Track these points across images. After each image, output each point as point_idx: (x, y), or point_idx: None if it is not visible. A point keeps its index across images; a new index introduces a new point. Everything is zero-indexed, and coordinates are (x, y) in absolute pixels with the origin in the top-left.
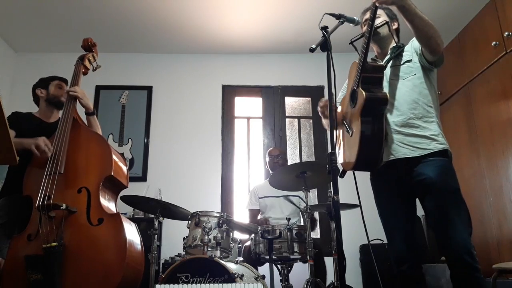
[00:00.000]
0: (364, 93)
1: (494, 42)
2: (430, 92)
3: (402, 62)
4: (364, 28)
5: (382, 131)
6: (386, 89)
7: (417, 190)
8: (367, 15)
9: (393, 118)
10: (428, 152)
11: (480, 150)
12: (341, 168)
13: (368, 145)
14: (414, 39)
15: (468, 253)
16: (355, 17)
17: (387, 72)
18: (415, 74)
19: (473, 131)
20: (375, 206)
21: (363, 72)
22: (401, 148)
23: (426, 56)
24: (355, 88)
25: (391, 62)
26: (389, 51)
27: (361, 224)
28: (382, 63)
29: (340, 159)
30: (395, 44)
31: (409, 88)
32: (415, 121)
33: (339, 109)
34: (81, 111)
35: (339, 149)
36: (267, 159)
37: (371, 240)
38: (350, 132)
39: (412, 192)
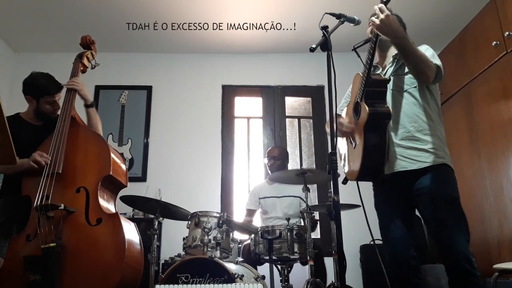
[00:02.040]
0: (367, 108)
1: (494, 42)
2: (431, 104)
3: (404, 72)
4: (369, 29)
5: (385, 144)
6: (388, 99)
7: (416, 200)
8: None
9: (394, 132)
10: (427, 166)
11: (480, 150)
12: (344, 176)
13: (371, 158)
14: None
15: (467, 260)
16: (355, 17)
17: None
18: (415, 86)
19: (473, 131)
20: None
21: (366, 86)
22: (401, 161)
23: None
24: (358, 101)
25: (393, 71)
26: (392, 59)
27: (361, 224)
28: (384, 71)
29: (345, 169)
30: (397, 52)
31: (410, 101)
32: (415, 134)
33: (343, 115)
34: (79, 109)
35: (344, 159)
36: (265, 160)
37: (371, 241)
38: (354, 144)
39: (411, 201)
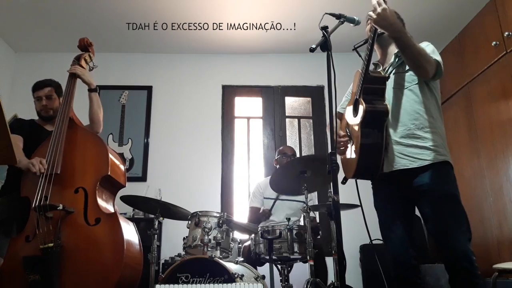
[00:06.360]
0: (364, 105)
1: (494, 42)
2: (432, 101)
3: (405, 70)
4: (368, 27)
5: (382, 142)
6: (389, 97)
7: (415, 197)
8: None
9: (394, 129)
10: (428, 163)
11: (480, 150)
12: (343, 174)
13: (368, 156)
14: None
15: (467, 259)
16: (355, 17)
17: (391, 79)
18: (416, 83)
19: (473, 131)
20: None
21: (364, 83)
22: (401, 159)
23: None
24: (357, 97)
25: (395, 69)
26: (393, 56)
27: (361, 224)
28: (385, 68)
29: (342, 167)
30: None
31: (410, 98)
32: (415, 131)
33: (346, 114)
34: (81, 102)
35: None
36: (277, 156)
37: (370, 241)
38: (351, 141)
39: (411, 198)
